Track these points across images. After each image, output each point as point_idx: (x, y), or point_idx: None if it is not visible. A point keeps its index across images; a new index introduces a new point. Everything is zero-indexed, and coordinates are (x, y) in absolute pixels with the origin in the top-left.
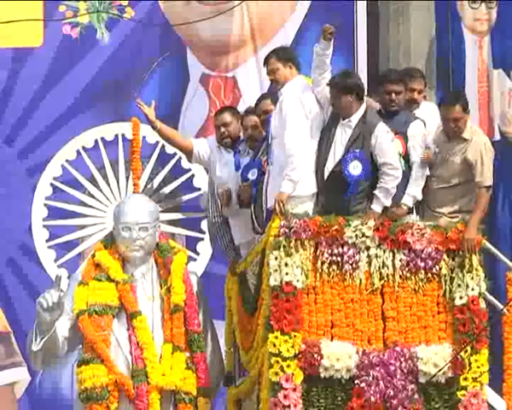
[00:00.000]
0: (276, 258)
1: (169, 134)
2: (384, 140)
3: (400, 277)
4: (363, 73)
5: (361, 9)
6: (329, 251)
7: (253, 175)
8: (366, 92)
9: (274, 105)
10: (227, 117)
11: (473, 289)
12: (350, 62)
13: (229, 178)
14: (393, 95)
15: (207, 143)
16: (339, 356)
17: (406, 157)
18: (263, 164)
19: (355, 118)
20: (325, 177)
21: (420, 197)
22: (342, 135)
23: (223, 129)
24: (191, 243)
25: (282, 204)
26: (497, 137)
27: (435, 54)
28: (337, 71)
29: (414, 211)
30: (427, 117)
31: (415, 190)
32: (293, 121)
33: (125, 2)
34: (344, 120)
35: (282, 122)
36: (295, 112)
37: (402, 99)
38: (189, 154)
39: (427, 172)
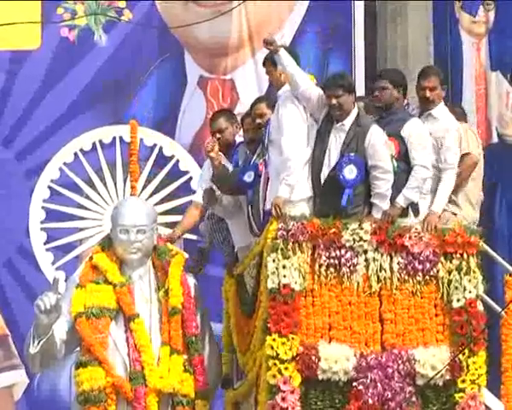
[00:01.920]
0: (273, 260)
1: (185, 230)
2: (377, 142)
3: (398, 279)
4: (360, 73)
5: (359, 10)
6: (327, 254)
7: (249, 178)
8: (364, 93)
9: (268, 109)
10: (222, 123)
11: (470, 292)
12: (347, 63)
13: None
14: (376, 91)
15: (203, 174)
16: (337, 358)
17: (401, 157)
18: (259, 166)
19: (348, 121)
20: (321, 182)
21: (416, 200)
22: (336, 139)
23: (218, 135)
24: (189, 246)
25: (278, 208)
26: (495, 139)
27: (433, 55)
28: (335, 71)
29: (412, 214)
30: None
31: (411, 194)
32: (289, 125)
33: (123, 4)
34: (337, 123)
35: (279, 125)
36: (292, 115)
37: (387, 95)
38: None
39: (429, 174)
